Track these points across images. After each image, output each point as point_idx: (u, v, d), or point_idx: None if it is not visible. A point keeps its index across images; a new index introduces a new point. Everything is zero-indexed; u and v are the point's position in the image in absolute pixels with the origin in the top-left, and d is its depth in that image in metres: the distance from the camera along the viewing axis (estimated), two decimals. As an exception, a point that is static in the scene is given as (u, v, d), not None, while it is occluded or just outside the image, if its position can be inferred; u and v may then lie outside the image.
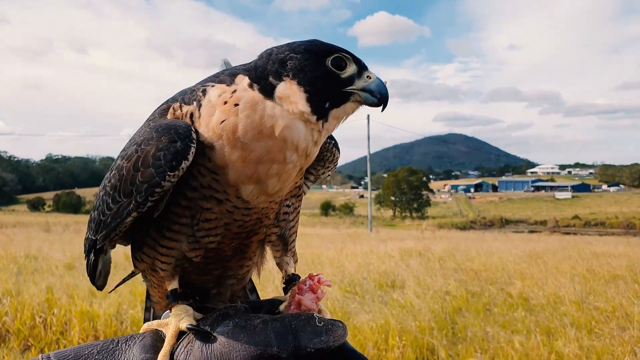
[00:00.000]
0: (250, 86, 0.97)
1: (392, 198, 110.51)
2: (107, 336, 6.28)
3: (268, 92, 0.97)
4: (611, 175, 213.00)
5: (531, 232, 63.71)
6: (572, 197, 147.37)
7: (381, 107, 1.07)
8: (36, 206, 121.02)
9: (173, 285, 1.08)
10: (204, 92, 0.99)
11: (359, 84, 1.03)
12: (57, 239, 20.39)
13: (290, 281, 1.15)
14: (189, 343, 0.91)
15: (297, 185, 1.13)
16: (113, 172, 0.99)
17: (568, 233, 60.70)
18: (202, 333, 0.91)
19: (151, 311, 1.32)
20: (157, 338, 0.96)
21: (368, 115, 45.28)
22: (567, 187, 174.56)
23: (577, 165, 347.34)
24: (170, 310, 1.03)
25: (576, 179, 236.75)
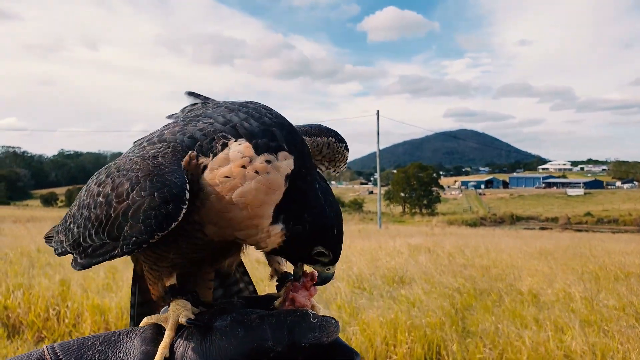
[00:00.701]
0: (286, 177, 0.96)
1: (402, 194, 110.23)
2: (118, 329, 6.38)
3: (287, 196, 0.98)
4: (625, 171, 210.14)
5: (542, 229, 63.20)
6: (585, 193, 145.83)
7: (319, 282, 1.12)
8: (49, 201, 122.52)
9: (171, 281, 1.11)
10: (224, 146, 0.97)
11: (318, 267, 1.09)
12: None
13: (283, 279, 1.18)
14: (188, 336, 0.93)
15: None
16: (99, 200, 0.96)
17: (580, 230, 60.15)
18: (200, 327, 0.94)
19: (136, 297, 1.38)
20: (157, 331, 0.99)
21: (378, 111, 45.18)
22: (579, 183, 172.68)
23: (589, 161, 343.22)
24: (169, 305, 1.06)
25: (589, 175, 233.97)
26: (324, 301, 7.78)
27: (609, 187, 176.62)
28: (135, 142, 1.15)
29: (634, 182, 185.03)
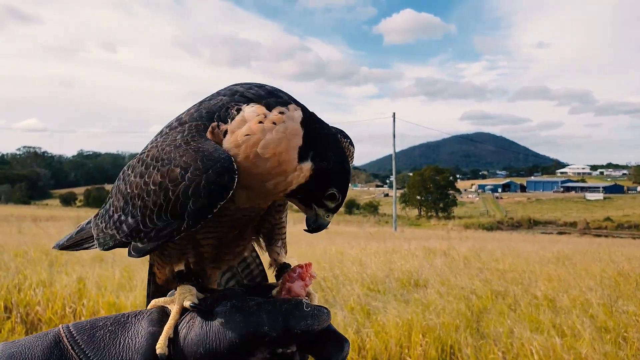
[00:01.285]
0: (301, 123, 1.07)
1: (418, 197, 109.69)
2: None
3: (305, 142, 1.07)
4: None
5: (560, 233, 62.34)
6: (604, 198, 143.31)
7: (310, 229, 1.19)
8: (68, 201, 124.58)
9: (179, 267, 1.19)
10: (239, 110, 1.07)
11: (321, 212, 1.16)
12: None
13: (282, 269, 1.26)
14: (191, 319, 1.01)
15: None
16: (152, 188, 1.03)
17: (599, 235, 59.15)
18: (203, 311, 1.02)
19: (151, 286, 1.41)
20: (163, 314, 1.06)
21: (394, 113, 45.09)
22: (598, 188, 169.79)
23: (609, 165, 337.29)
24: (176, 289, 1.13)
25: (608, 179, 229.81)
26: (339, 303, 7.77)
27: (629, 191, 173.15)
28: (157, 133, 1.22)
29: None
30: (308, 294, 1.14)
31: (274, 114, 1.05)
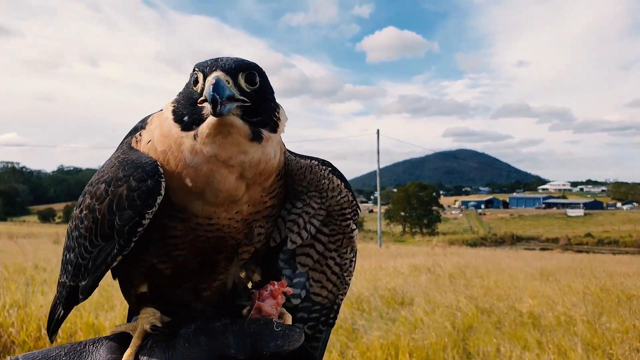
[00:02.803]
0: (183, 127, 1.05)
1: (402, 213, 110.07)
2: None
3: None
4: (624, 192, 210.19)
5: (543, 249, 62.91)
6: (585, 214, 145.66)
7: (213, 112, 0.95)
8: (47, 217, 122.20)
9: (142, 289, 1.12)
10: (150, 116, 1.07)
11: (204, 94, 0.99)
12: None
13: (256, 287, 1.18)
14: (152, 344, 0.94)
15: (267, 205, 1.12)
16: (84, 213, 0.98)
17: (581, 251, 59.86)
18: (164, 335, 0.95)
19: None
20: (124, 340, 1.00)
21: (378, 130, 45.35)
22: (579, 204, 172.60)
23: (589, 182, 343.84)
24: (139, 313, 1.07)
25: (588, 196, 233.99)
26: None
27: (609, 208, 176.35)
28: None
29: (634, 204, 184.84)
30: (281, 314, 1.07)
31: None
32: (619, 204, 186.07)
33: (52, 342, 1.22)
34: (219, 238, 1.07)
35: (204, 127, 0.95)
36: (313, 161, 1.23)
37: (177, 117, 0.99)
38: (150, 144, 1.01)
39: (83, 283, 1.01)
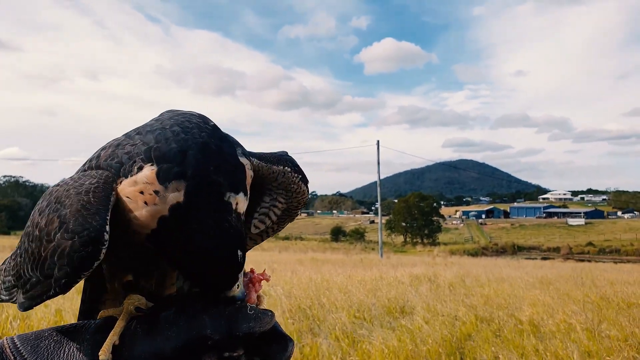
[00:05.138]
0: (170, 208, 1.01)
1: (403, 224, 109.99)
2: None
3: None
4: (625, 201, 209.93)
5: (544, 258, 62.79)
6: (586, 223, 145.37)
7: None
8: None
9: (128, 277, 1.17)
10: (140, 169, 1.01)
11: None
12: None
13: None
14: (136, 325, 1.02)
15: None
16: (35, 234, 1.01)
17: (582, 260, 59.71)
18: (147, 316, 1.03)
19: (87, 293, 1.37)
20: (111, 323, 1.05)
21: (378, 141, 45.57)
22: (580, 213, 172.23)
23: (589, 191, 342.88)
24: (125, 299, 1.12)
25: (589, 205, 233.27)
26: (324, 331, 7.73)
27: (609, 217, 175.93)
28: (85, 161, 1.18)
29: (635, 212, 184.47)
30: (258, 297, 1.13)
31: (149, 192, 1.00)
32: (620, 213, 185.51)
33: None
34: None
35: None
36: (287, 168, 1.33)
37: None
38: (132, 185, 1.03)
39: (22, 299, 1.03)
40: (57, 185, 1.10)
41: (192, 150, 1.02)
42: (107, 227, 0.98)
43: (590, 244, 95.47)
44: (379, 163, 45.74)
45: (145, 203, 1.00)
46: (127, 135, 1.13)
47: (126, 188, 1.03)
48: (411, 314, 9.36)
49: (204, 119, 1.12)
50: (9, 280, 1.15)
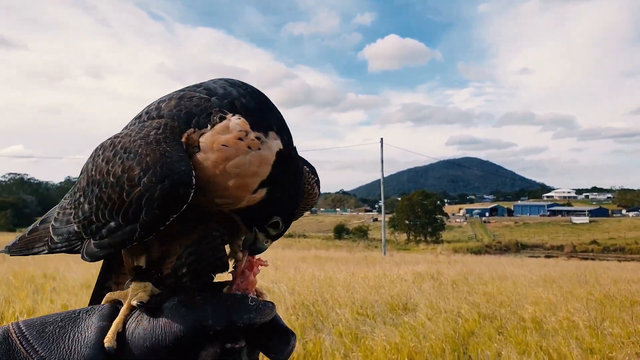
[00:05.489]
0: (276, 154, 1.05)
1: (406, 222, 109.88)
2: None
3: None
4: (630, 199, 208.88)
5: (548, 257, 62.58)
6: (590, 221, 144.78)
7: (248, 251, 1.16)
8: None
9: (139, 262, 1.17)
10: (222, 118, 1.04)
11: (260, 236, 1.14)
12: (74, 259, 20.63)
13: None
14: (140, 314, 1.04)
15: None
16: (110, 180, 1.00)
17: (586, 258, 59.60)
18: (148, 308, 1.04)
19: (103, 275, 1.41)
20: (114, 309, 1.09)
21: (381, 139, 45.55)
22: (584, 211, 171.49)
23: (594, 189, 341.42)
24: (132, 282, 1.14)
25: (594, 203, 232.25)
26: (327, 327, 7.76)
27: (614, 215, 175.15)
28: (135, 116, 1.20)
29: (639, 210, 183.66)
30: (260, 293, 1.18)
31: (251, 137, 1.03)
32: (624, 211, 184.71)
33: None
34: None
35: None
36: (306, 167, 1.36)
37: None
38: (221, 132, 1.03)
39: (94, 249, 1.06)
40: (115, 137, 1.11)
41: (266, 110, 1.11)
42: (193, 171, 0.99)
43: (594, 242, 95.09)
44: (382, 161, 45.74)
45: (249, 147, 1.03)
46: (183, 90, 1.15)
47: (217, 136, 1.04)
48: (414, 311, 9.39)
49: (253, 86, 1.18)
50: (70, 231, 1.17)
